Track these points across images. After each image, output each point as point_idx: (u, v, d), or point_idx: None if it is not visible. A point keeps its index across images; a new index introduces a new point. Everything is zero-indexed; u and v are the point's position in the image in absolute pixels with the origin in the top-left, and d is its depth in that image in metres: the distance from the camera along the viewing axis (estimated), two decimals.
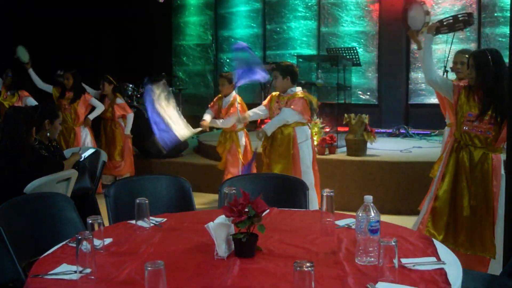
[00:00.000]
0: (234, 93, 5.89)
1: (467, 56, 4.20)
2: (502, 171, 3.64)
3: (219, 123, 5.78)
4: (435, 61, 8.53)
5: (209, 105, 6.10)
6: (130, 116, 7.35)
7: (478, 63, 3.64)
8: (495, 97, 3.58)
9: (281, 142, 4.89)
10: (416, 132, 8.35)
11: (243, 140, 5.98)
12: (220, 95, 6.09)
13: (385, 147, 6.95)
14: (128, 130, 7.37)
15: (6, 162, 3.80)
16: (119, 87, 7.53)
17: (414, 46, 8.75)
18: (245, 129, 6.05)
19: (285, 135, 4.88)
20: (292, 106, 4.78)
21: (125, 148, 7.32)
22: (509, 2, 8.17)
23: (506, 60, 3.59)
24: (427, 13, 3.93)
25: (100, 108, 7.07)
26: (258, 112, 5.23)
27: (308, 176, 4.90)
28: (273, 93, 5.13)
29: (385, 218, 2.92)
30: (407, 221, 5.19)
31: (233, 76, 5.29)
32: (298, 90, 4.91)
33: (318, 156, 6.40)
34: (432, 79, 3.85)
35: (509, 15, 7.09)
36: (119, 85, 7.54)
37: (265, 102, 5.26)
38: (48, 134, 4.31)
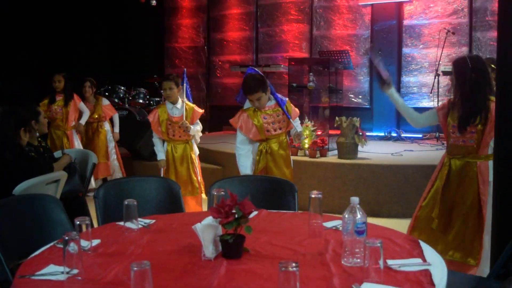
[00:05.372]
0: (181, 98, 5.17)
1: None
2: (491, 178, 3.47)
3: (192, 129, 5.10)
4: (426, 64, 8.64)
5: (153, 128, 5.19)
6: (116, 116, 7.49)
7: (458, 70, 3.60)
8: (474, 104, 3.52)
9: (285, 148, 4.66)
10: (407, 135, 8.40)
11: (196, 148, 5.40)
12: (161, 105, 5.24)
13: (376, 150, 6.96)
14: (117, 129, 7.47)
15: None
16: (99, 90, 7.55)
17: (406, 50, 8.85)
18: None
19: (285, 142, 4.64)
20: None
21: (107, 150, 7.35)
22: None
23: None
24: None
25: (86, 113, 7.10)
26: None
27: None
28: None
29: (375, 221, 2.94)
30: (398, 224, 5.23)
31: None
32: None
33: (309, 159, 6.44)
34: (419, 125, 3.87)
35: None
36: (100, 88, 7.55)
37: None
38: (37, 133, 4.33)
